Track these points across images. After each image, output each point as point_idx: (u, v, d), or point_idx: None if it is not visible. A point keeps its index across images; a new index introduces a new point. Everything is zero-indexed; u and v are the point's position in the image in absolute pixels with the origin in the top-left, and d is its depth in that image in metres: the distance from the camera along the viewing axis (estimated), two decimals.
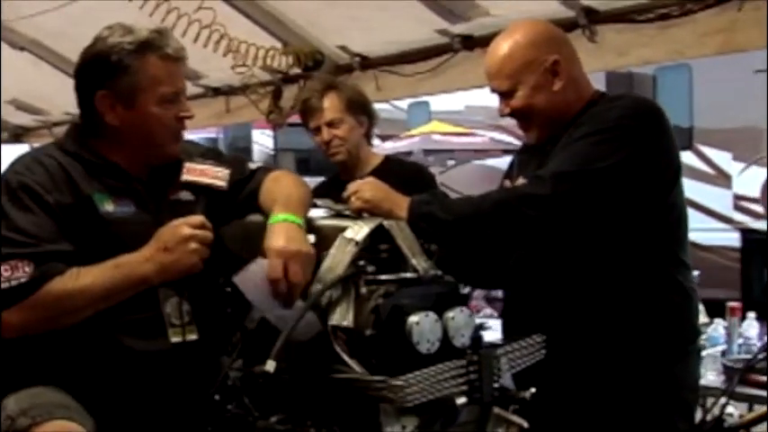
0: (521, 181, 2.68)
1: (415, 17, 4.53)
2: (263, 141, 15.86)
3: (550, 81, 2.66)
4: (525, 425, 2.34)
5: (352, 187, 2.58)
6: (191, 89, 5.90)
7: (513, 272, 2.71)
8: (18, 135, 7.59)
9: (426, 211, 2.50)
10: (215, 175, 2.55)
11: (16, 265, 2.28)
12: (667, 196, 2.63)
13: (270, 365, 2.13)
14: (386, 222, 2.37)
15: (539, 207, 2.46)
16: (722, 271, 9.64)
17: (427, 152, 11.19)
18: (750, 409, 3.64)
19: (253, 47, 4.94)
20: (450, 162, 11.35)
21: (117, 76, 2.42)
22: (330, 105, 3.68)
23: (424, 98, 11.20)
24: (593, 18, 4.06)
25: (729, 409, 2.23)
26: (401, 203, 2.53)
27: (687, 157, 10.54)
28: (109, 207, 2.40)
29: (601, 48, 4.09)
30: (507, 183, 2.81)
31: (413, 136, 11.70)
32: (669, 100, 10.56)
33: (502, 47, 2.70)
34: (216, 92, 5.94)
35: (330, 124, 3.68)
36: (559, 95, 2.66)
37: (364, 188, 2.56)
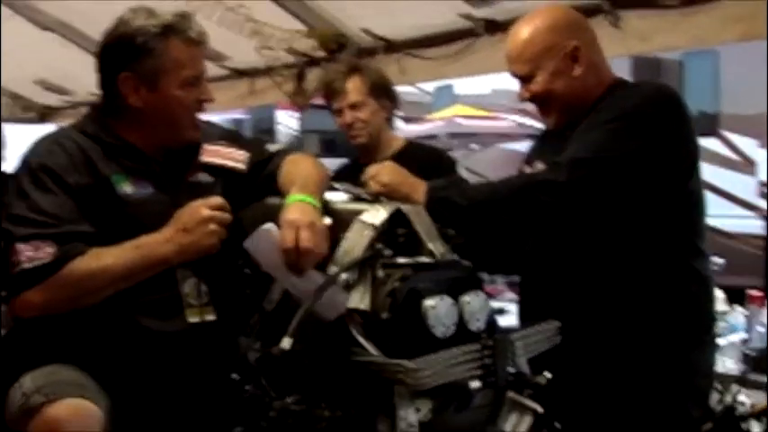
0: (539, 166, 2.69)
1: (438, 1, 4.53)
2: (288, 123, 15.90)
3: (570, 67, 2.66)
4: (540, 410, 2.35)
5: (370, 171, 2.60)
6: (215, 71, 5.96)
7: (529, 258, 2.73)
8: (45, 115, 7.64)
9: (443, 196, 2.51)
10: (234, 157, 2.56)
11: (39, 246, 2.32)
12: (685, 184, 2.64)
13: (286, 343, 2.15)
14: (404, 206, 2.38)
15: (555, 193, 2.47)
16: (747, 258, 9.58)
17: (451, 135, 11.19)
18: None
19: (277, 30, 4.96)
20: (475, 146, 11.34)
21: (141, 59, 2.45)
22: (353, 88, 3.70)
23: (450, 81, 11.18)
24: (617, 3, 4.04)
25: (741, 398, 2.22)
26: (419, 188, 2.54)
27: (712, 144, 10.48)
28: (127, 188, 2.44)
29: (624, 33, 4.07)
30: (527, 168, 2.82)
31: (437, 119, 11.70)
32: (696, 86, 10.52)
33: (522, 32, 2.71)
34: (240, 74, 5.95)
35: (353, 107, 3.70)
36: (579, 81, 2.66)
37: (382, 172, 2.58)
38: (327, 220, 2.37)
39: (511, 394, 2.34)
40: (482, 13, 4.47)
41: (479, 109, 11.00)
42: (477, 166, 10.72)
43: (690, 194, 2.66)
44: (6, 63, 6.84)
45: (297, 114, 14.96)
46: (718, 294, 4.47)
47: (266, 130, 15.46)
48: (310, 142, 15.17)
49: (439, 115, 11.87)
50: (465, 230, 2.42)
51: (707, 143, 10.87)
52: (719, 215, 10.60)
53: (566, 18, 2.75)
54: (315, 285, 2.22)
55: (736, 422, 2.15)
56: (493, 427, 2.33)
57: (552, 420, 2.44)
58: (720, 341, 4.13)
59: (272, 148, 2.69)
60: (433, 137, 11.25)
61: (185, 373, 2.40)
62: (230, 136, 2.70)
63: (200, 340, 2.41)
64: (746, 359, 3.91)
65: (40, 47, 6.27)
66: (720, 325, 4.29)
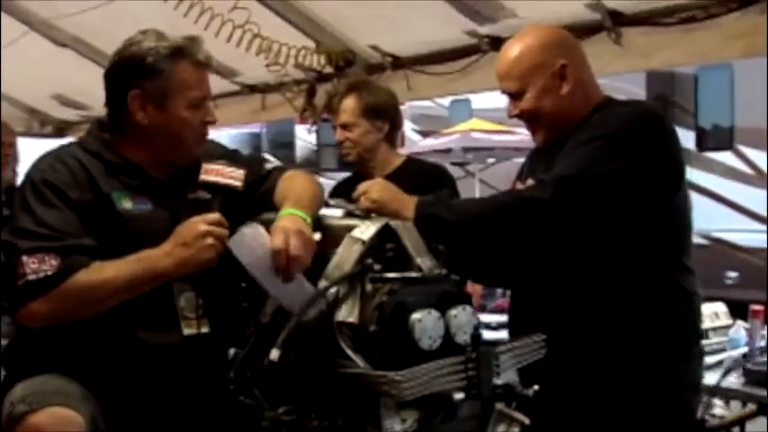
0: (530, 183, 2.74)
1: (443, 18, 4.61)
2: (305, 137, 15.98)
3: (558, 85, 2.71)
4: (527, 421, 2.39)
5: (361, 188, 2.66)
6: (227, 86, 6.07)
7: (518, 271, 2.77)
8: (62, 129, 7.76)
9: (431, 212, 2.56)
10: (230, 176, 2.64)
11: (43, 259, 2.39)
12: (670, 201, 2.68)
13: (274, 354, 2.22)
14: (392, 222, 2.44)
15: (540, 210, 2.52)
16: (760, 272, 9.57)
17: (466, 149, 11.22)
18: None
19: (285, 46, 5.04)
20: (491, 160, 11.39)
21: (150, 78, 2.52)
22: (345, 108, 3.77)
23: (466, 96, 11.23)
24: (619, 20, 4.12)
25: (718, 411, 2.26)
26: (408, 204, 2.59)
27: (726, 157, 10.49)
28: (127, 205, 2.50)
29: (626, 50, 4.15)
30: (519, 184, 2.87)
31: (453, 133, 11.73)
32: (710, 99, 10.55)
33: (512, 49, 2.77)
34: (252, 89, 6.07)
35: (344, 126, 3.78)
36: (567, 99, 2.71)
37: (373, 189, 2.63)
38: (317, 236, 2.44)
39: (499, 406, 2.39)
40: (486, 30, 4.53)
41: (495, 123, 11.03)
42: (493, 180, 10.75)
43: (675, 211, 2.70)
44: (24, 79, 6.98)
45: (314, 128, 15.04)
46: (720, 308, 4.51)
47: (284, 143, 15.55)
48: (327, 156, 15.25)
49: (455, 129, 11.91)
50: (453, 246, 2.47)
51: (721, 157, 10.89)
52: (733, 229, 10.63)
53: (554, 37, 2.80)
54: (298, 289, 2.32)
55: None
56: None
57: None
58: (722, 356, 4.17)
59: (268, 165, 2.76)
60: (448, 151, 11.29)
61: (180, 385, 2.46)
62: (230, 155, 2.76)
63: (194, 352, 2.47)
64: (747, 373, 3.93)
65: (57, 63, 6.39)
66: (721, 340, 4.33)
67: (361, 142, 3.77)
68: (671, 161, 2.67)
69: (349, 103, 3.77)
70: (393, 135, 3.85)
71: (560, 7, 4.09)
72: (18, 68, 6.66)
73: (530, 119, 2.77)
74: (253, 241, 2.39)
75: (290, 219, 2.42)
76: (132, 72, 2.53)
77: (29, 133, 7.56)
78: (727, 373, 2.40)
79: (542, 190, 2.55)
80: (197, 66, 2.55)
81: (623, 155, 2.56)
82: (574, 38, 2.94)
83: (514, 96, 2.76)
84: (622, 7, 4.08)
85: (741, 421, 2.13)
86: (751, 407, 2.21)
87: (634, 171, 2.56)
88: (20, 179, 3.81)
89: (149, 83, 2.52)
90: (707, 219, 10.46)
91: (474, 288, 10.59)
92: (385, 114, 3.80)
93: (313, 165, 14.56)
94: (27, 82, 7.11)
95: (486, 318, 5.01)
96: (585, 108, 2.73)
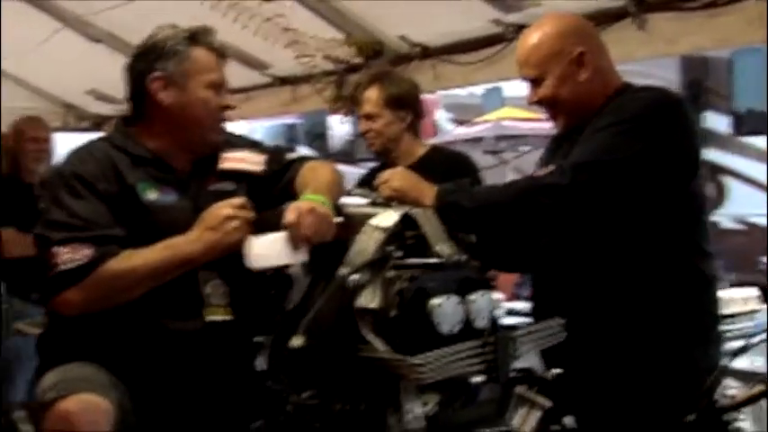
0: (550, 168, 2.77)
1: (470, 8, 4.63)
2: (340, 128, 16.02)
3: (576, 72, 2.75)
4: (548, 404, 2.44)
5: (382, 177, 2.71)
6: (258, 79, 6.13)
7: (539, 257, 2.81)
8: (98, 124, 7.86)
9: (451, 200, 2.61)
10: (251, 161, 2.70)
11: (76, 248, 2.47)
12: (687, 186, 2.71)
13: (297, 340, 2.28)
14: (413, 210, 2.48)
15: (557, 196, 2.56)
16: None
17: (498, 138, 11.20)
18: None
19: (314, 39, 5.09)
20: (523, 148, 11.36)
21: (170, 60, 2.62)
22: (368, 99, 3.81)
23: (499, 84, 11.21)
24: (643, 7, 4.11)
25: (731, 391, 2.29)
26: (428, 192, 2.64)
27: (762, 141, 10.38)
28: (152, 196, 2.59)
29: (650, 36, 4.14)
30: (540, 170, 2.91)
31: (484, 122, 11.70)
32: (745, 83, 10.45)
33: (531, 37, 2.81)
34: (282, 81, 6.11)
35: (368, 117, 3.82)
36: (585, 86, 2.75)
37: (393, 177, 2.69)
38: (339, 219, 2.50)
39: (519, 389, 2.44)
40: (512, 18, 4.55)
41: (527, 111, 11.00)
42: (525, 168, 10.72)
43: (692, 196, 2.73)
44: (59, 75, 7.10)
45: (346, 119, 15.07)
46: (752, 293, 4.51)
47: (319, 134, 15.58)
48: (362, 146, 15.23)
49: (486, 118, 11.88)
50: (473, 232, 2.51)
51: (757, 141, 10.79)
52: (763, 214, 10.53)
53: (572, 24, 2.84)
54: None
55: (718, 414, 2.22)
56: (501, 422, 2.44)
57: (561, 415, 2.52)
58: (753, 340, 4.17)
59: (290, 156, 2.82)
60: (479, 139, 11.27)
61: (205, 370, 2.53)
62: (253, 145, 2.82)
63: (219, 339, 2.54)
64: None
65: (91, 59, 6.47)
66: (750, 324, 4.34)
67: (385, 132, 3.81)
68: (688, 146, 2.69)
69: (372, 94, 3.81)
70: (416, 125, 3.88)
71: None
72: (54, 65, 6.80)
73: (549, 105, 2.81)
74: (261, 247, 2.47)
75: (309, 201, 2.49)
76: (153, 57, 2.64)
77: (66, 128, 7.67)
78: (737, 354, 2.41)
79: (560, 176, 2.59)
80: (212, 51, 2.65)
81: (640, 140, 2.59)
82: (592, 25, 2.98)
83: (534, 83, 2.81)
84: None
85: (750, 401, 2.15)
86: (760, 387, 2.23)
87: (651, 156, 2.59)
88: None
89: (170, 64, 2.62)
90: (742, 203, 10.40)
91: (507, 277, 10.61)
92: (408, 104, 3.83)
93: (348, 155, 14.57)
94: (62, 78, 7.23)
95: (519, 305, 5.03)
96: (604, 94, 2.77)
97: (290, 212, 2.43)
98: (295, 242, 2.41)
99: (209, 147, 2.68)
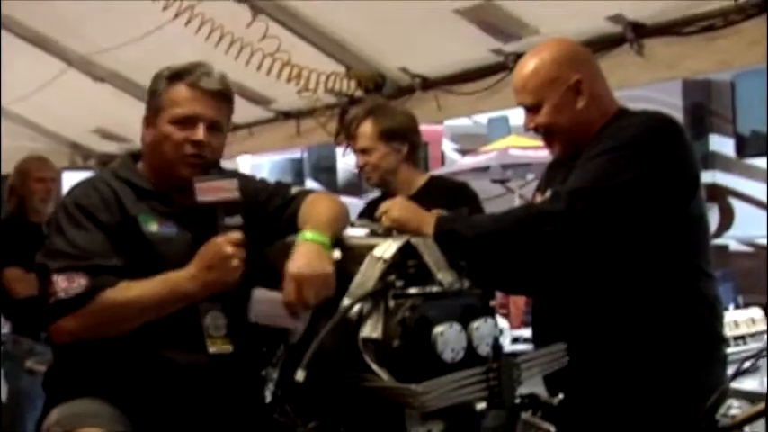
0: (548, 195, 2.79)
1: (469, 38, 4.65)
2: (347, 160, 16.10)
3: (573, 99, 2.77)
4: (553, 430, 2.45)
5: (382, 207, 2.73)
6: (262, 114, 6.18)
7: (539, 281, 2.82)
8: (104, 162, 7.91)
9: (450, 229, 2.62)
10: (227, 188, 2.61)
11: (72, 278, 2.50)
12: (685, 209, 2.72)
13: (300, 375, 2.29)
14: (413, 239, 2.50)
15: (555, 223, 2.58)
16: None
17: (505, 167, 11.26)
18: None
19: (315, 72, 5.13)
20: (530, 176, 11.40)
21: (151, 99, 2.68)
22: (362, 133, 3.84)
23: (505, 113, 11.26)
24: (640, 32, 4.13)
25: (734, 411, 2.30)
26: (428, 221, 2.65)
27: (762, 162, 10.41)
28: (152, 228, 2.61)
29: (649, 61, 4.17)
30: (539, 196, 2.94)
31: (491, 151, 11.77)
32: (748, 106, 10.50)
33: (528, 64, 2.84)
34: (286, 116, 6.16)
35: (363, 151, 3.85)
36: (582, 113, 2.77)
37: (393, 208, 2.70)
38: (336, 254, 2.52)
39: (524, 415, 2.45)
40: (511, 47, 4.58)
41: (533, 139, 11.05)
42: (531, 195, 10.71)
43: (691, 219, 2.74)
44: (65, 114, 7.16)
45: (348, 151, 15.08)
46: (757, 314, 4.52)
47: (327, 168, 15.65)
48: None
49: (492, 147, 11.95)
50: (472, 261, 2.53)
51: (761, 162, 10.82)
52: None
53: (569, 51, 2.86)
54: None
55: None
56: None
57: None
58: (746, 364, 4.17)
59: (293, 190, 2.84)
60: (486, 168, 11.33)
61: (208, 403, 2.54)
62: (260, 186, 2.85)
63: (220, 371, 2.55)
64: None
65: (96, 97, 6.54)
66: (760, 345, 4.35)
67: (381, 165, 3.83)
68: (685, 169, 2.71)
69: (365, 129, 3.84)
70: (414, 155, 3.89)
71: (582, 22, 4.14)
72: (59, 104, 6.88)
73: (546, 132, 2.83)
74: (263, 304, 2.53)
75: (305, 253, 2.49)
76: (148, 98, 2.70)
77: (72, 167, 7.73)
78: (737, 374, 2.42)
79: (557, 203, 2.61)
80: (192, 87, 2.64)
81: (636, 166, 2.61)
82: (589, 51, 3.00)
83: (531, 110, 2.83)
84: (643, 19, 4.11)
85: (749, 420, 2.16)
86: (760, 406, 2.24)
87: (647, 181, 2.60)
88: None
89: (150, 104, 2.68)
90: (748, 225, 10.41)
91: (515, 303, 10.60)
92: (402, 136, 3.85)
93: (356, 188, 14.63)
94: (68, 117, 7.30)
95: (527, 332, 5.04)
96: (601, 120, 2.79)
97: (288, 286, 2.44)
98: (295, 313, 2.47)
99: (185, 182, 2.64)
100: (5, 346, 5.33)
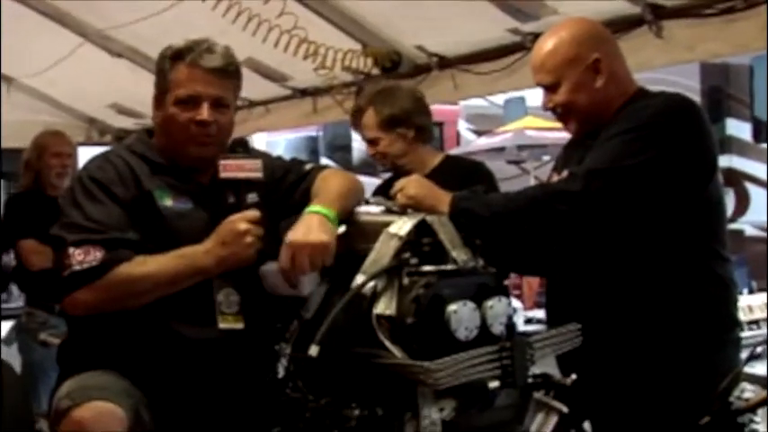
0: (564, 174, 2.79)
1: (487, 17, 4.63)
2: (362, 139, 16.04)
3: (592, 78, 2.76)
4: (565, 410, 2.45)
5: (398, 185, 2.73)
6: (278, 91, 6.17)
7: (554, 261, 2.82)
8: (120, 138, 7.91)
9: (465, 207, 2.62)
10: (249, 168, 2.63)
11: (88, 251, 2.52)
12: (702, 191, 2.71)
13: (313, 350, 2.30)
14: (428, 217, 2.50)
15: (571, 203, 2.57)
16: None
17: (520, 147, 11.23)
18: None
19: (331, 50, 5.12)
20: (546, 157, 11.37)
21: (158, 80, 2.70)
22: (366, 125, 3.86)
23: (521, 93, 11.22)
24: (659, 14, 4.11)
25: (747, 394, 2.29)
26: (443, 199, 2.65)
27: None
28: (168, 202, 2.63)
29: (668, 43, 4.15)
30: (555, 176, 2.93)
31: (506, 132, 11.73)
32: (765, 90, 10.41)
33: (547, 43, 2.84)
34: (303, 93, 6.13)
35: (370, 141, 3.86)
36: (601, 92, 2.76)
37: (409, 185, 2.71)
38: (341, 229, 2.55)
39: (537, 395, 2.45)
40: (529, 27, 4.56)
41: (549, 120, 11.01)
42: (546, 176, 10.68)
43: (707, 201, 2.73)
44: (81, 89, 7.16)
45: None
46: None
47: (342, 146, 15.60)
48: None
49: (508, 128, 11.91)
50: (487, 239, 2.52)
51: None
52: None
53: (588, 30, 2.85)
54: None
55: (733, 416, 2.23)
56: (519, 427, 2.45)
57: (578, 420, 2.53)
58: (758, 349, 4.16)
59: (307, 166, 2.85)
60: (501, 149, 11.30)
61: (221, 378, 2.56)
62: (276, 162, 2.86)
63: (232, 347, 2.57)
64: None
65: (113, 73, 6.53)
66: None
67: (390, 152, 3.84)
68: (702, 151, 2.70)
69: (368, 120, 3.85)
70: (424, 135, 3.88)
71: (600, 2, 4.12)
72: (76, 79, 6.86)
73: (564, 112, 2.82)
74: (269, 274, 2.58)
75: (305, 224, 2.52)
76: (155, 78, 2.72)
77: (88, 142, 7.73)
78: (750, 357, 2.42)
79: (573, 183, 2.60)
80: (194, 66, 2.64)
81: (652, 147, 2.60)
82: (608, 31, 2.98)
83: (549, 89, 2.82)
84: (662, 0, 4.09)
85: (764, 403, 2.16)
86: None
87: (664, 163, 2.60)
88: None
89: (158, 84, 2.70)
90: (764, 210, 10.36)
91: (529, 284, 10.61)
92: (406, 121, 3.82)
93: (371, 167, 14.61)
94: (85, 92, 7.29)
95: (540, 313, 5.04)
96: (619, 100, 2.78)
97: (284, 253, 2.48)
98: (293, 280, 2.51)
99: (197, 161, 2.68)
100: (20, 318, 5.36)
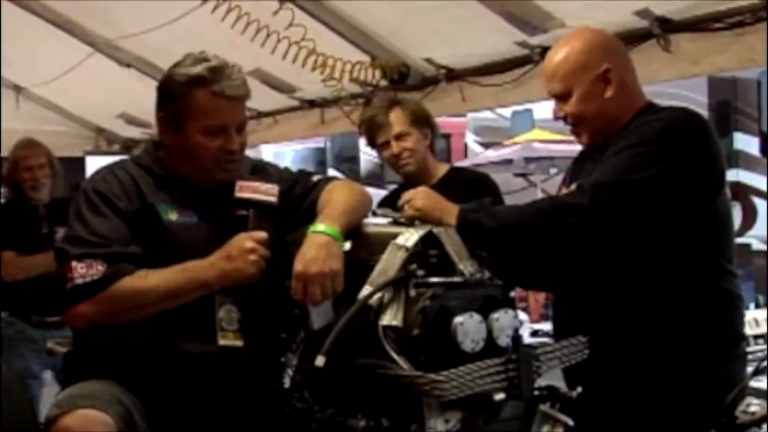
0: (573, 187, 2.79)
1: (495, 30, 4.64)
2: (369, 150, 16.02)
3: (602, 89, 2.77)
4: (570, 423, 2.45)
5: (405, 196, 2.74)
6: (286, 102, 6.18)
7: (560, 275, 2.82)
8: (128, 147, 7.93)
9: (473, 219, 2.63)
10: (264, 191, 2.65)
11: (91, 264, 2.53)
12: (709, 206, 2.71)
13: (320, 360, 2.30)
14: (435, 229, 2.51)
15: (578, 216, 2.58)
16: None
17: (528, 160, 11.21)
18: None
19: (340, 61, 5.13)
20: (553, 170, 11.36)
21: (169, 102, 2.66)
22: (396, 119, 3.86)
23: (529, 106, 11.21)
24: (667, 27, 4.11)
25: (753, 408, 2.29)
26: (451, 211, 2.66)
27: None
28: (172, 216, 2.63)
29: (675, 56, 4.14)
30: (564, 189, 2.94)
31: (514, 144, 11.71)
32: None
33: (558, 52, 2.84)
34: (311, 104, 6.16)
35: (398, 137, 3.87)
36: (611, 103, 2.77)
37: (416, 197, 2.71)
38: (347, 246, 2.55)
39: (543, 407, 2.45)
40: (537, 40, 4.57)
41: (557, 133, 11.00)
42: (554, 190, 10.67)
43: (715, 216, 2.74)
44: (90, 99, 7.19)
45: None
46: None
47: (349, 157, 15.58)
48: (390, 169, 15.17)
49: (515, 140, 11.89)
50: (494, 251, 2.53)
51: None
52: None
53: (599, 40, 2.86)
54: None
55: (738, 430, 2.22)
56: None
57: None
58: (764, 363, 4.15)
59: (315, 178, 2.86)
60: (509, 162, 11.28)
61: (220, 393, 2.56)
62: (278, 172, 2.87)
63: (232, 362, 2.57)
64: None
65: (121, 83, 6.56)
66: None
67: (418, 150, 3.90)
68: (710, 165, 2.70)
69: (398, 115, 3.88)
70: (434, 145, 3.98)
71: (608, 15, 4.11)
72: (85, 89, 6.89)
73: (574, 121, 2.83)
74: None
75: (314, 245, 2.51)
76: (160, 95, 2.70)
77: (97, 152, 7.77)
78: (757, 372, 2.42)
79: (581, 196, 2.61)
80: (215, 95, 2.61)
81: (661, 161, 2.61)
82: (619, 41, 2.99)
83: (560, 99, 2.83)
84: (670, 14, 4.09)
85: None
86: None
87: (672, 177, 2.60)
88: None
89: (169, 107, 2.66)
90: None
91: (535, 297, 10.59)
92: (427, 122, 3.95)
93: (377, 178, 14.60)
94: (93, 102, 7.32)
95: (546, 326, 5.03)
96: (629, 112, 2.79)
97: (295, 285, 2.48)
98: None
99: (217, 184, 2.68)
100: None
